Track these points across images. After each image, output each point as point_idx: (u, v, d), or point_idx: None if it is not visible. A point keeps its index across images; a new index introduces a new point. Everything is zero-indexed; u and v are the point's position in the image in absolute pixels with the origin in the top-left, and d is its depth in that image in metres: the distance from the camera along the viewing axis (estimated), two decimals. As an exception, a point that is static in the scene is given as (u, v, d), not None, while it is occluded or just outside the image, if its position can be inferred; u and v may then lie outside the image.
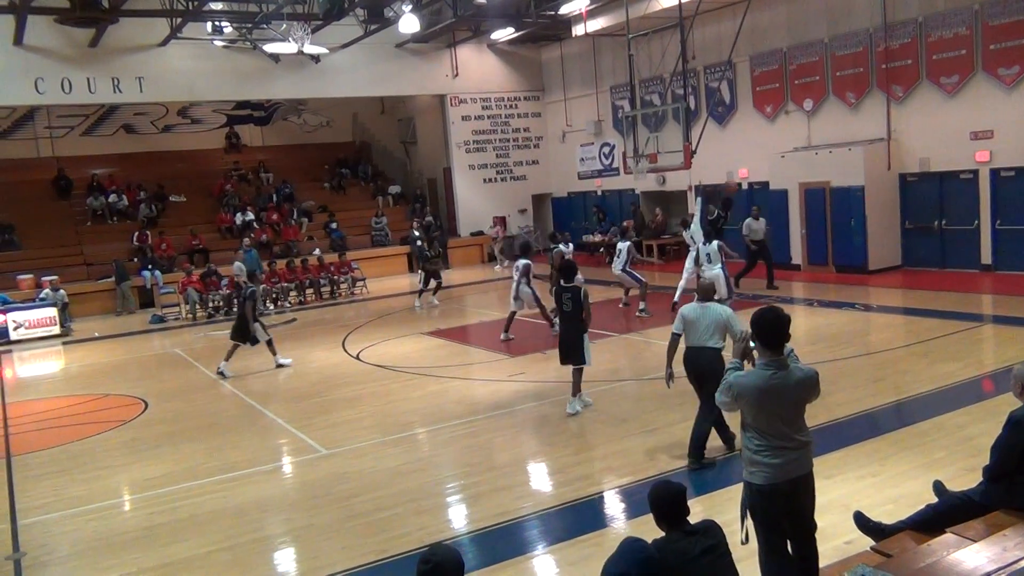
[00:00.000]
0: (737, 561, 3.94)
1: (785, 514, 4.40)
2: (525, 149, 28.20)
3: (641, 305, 14.81)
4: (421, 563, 3.26)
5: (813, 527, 4.50)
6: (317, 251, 23.42)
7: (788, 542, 4.48)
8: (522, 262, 13.96)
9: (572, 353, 9.20)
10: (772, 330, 4.34)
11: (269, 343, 13.17)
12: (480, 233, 27.29)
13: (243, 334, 12.93)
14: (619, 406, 9.69)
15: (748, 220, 16.61)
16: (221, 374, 12.78)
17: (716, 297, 12.88)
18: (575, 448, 8.09)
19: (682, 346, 7.63)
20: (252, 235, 24.41)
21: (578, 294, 9.10)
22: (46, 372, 16.05)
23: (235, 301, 17.66)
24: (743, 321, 4.99)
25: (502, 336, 13.78)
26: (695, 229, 14.79)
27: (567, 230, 27.35)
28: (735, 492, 6.34)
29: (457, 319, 16.63)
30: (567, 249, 14.81)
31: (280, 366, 13.16)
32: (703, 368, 7.30)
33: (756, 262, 16.73)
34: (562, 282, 9.39)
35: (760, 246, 16.65)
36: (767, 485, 4.31)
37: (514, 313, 13.99)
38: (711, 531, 3.97)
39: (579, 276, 9.95)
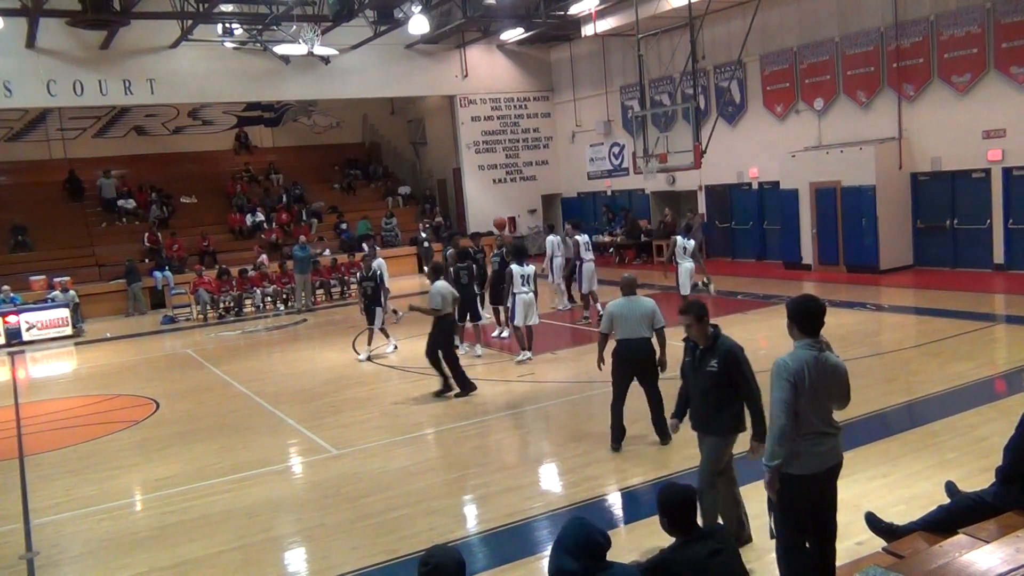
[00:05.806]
0: (751, 563, 3.92)
1: (815, 507, 4.42)
2: (535, 149, 28.19)
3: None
4: (421, 565, 3.26)
5: (835, 528, 4.54)
6: (327, 251, 23.50)
7: (807, 542, 4.49)
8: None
9: (473, 310, 12.93)
10: (810, 316, 4.44)
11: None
12: (490, 234, 27.24)
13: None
14: (629, 406, 9.65)
15: None
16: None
17: (685, 293, 13.34)
18: (584, 448, 8.08)
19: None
20: (263, 235, 24.52)
21: (472, 270, 13.02)
22: (58, 373, 16.14)
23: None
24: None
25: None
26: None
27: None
28: (749, 491, 6.35)
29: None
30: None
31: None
32: (640, 355, 7.69)
33: None
34: (458, 263, 13.01)
35: None
36: (810, 474, 4.36)
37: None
38: (718, 535, 3.98)
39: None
